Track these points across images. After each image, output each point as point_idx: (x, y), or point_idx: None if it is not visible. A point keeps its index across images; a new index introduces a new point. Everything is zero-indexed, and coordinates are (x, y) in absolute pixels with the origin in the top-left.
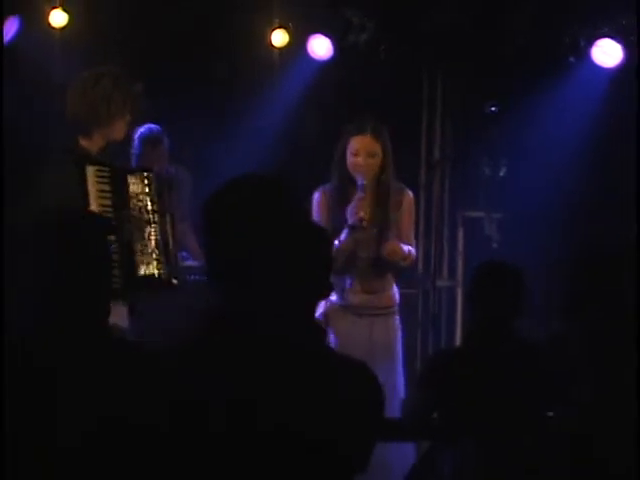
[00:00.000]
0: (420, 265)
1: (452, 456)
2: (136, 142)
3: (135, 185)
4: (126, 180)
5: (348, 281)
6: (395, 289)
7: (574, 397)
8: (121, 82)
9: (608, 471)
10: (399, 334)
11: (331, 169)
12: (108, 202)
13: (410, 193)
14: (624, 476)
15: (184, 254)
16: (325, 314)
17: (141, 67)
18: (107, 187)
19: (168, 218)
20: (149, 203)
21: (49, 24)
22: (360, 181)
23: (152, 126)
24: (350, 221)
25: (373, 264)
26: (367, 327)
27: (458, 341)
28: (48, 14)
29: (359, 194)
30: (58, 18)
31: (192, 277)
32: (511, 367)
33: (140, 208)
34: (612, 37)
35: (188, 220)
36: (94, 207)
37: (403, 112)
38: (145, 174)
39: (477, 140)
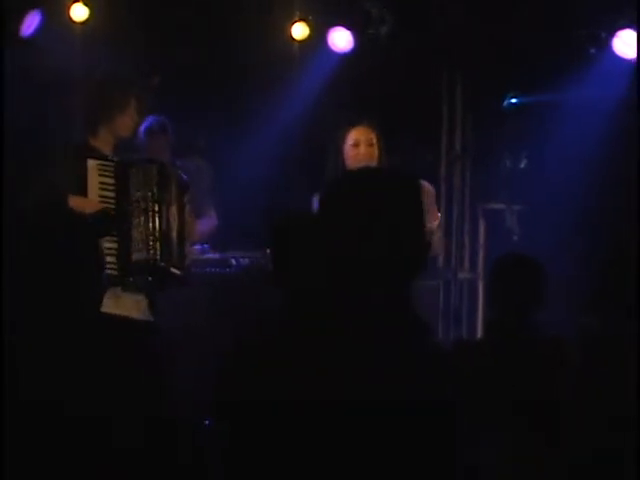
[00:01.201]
0: (441, 257)
1: (470, 449)
2: (139, 134)
3: (137, 176)
4: (128, 172)
5: None
6: None
7: (595, 391)
8: (122, 82)
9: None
10: None
11: (325, 172)
12: (110, 194)
13: (428, 185)
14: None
15: (206, 246)
16: None
17: (160, 61)
18: (110, 180)
19: (173, 209)
20: (150, 193)
21: (70, 18)
22: None
23: (154, 117)
24: None
25: None
26: None
27: (479, 333)
28: (69, 8)
29: None
30: (79, 12)
31: (211, 270)
32: (531, 359)
33: (140, 198)
34: (633, 27)
35: (205, 209)
36: (94, 198)
37: (423, 105)
38: (148, 165)
39: (498, 132)
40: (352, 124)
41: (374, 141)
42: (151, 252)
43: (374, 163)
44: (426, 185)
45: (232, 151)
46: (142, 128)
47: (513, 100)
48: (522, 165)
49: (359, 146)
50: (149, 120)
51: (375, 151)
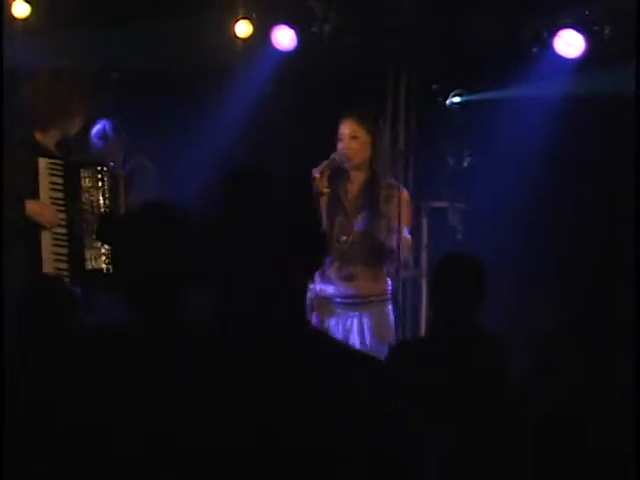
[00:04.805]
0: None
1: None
2: (91, 137)
3: (88, 179)
4: (79, 174)
5: (328, 269)
6: (385, 276)
7: (534, 391)
8: (79, 79)
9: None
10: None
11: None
12: (60, 195)
13: (405, 191)
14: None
15: None
16: (310, 305)
17: (103, 58)
18: (59, 180)
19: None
20: (101, 197)
21: (11, 15)
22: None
23: (106, 120)
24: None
25: (353, 247)
26: (355, 318)
27: (423, 331)
28: (10, 5)
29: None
30: (20, 9)
31: None
32: (472, 358)
33: (92, 202)
34: (575, 28)
35: None
36: (44, 200)
37: (367, 103)
38: (99, 168)
39: (441, 131)
40: (341, 117)
41: (360, 135)
42: (104, 260)
43: (360, 157)
44: (402, 192)
45: (174, 149)
46: (94, 131)
47: (457, 98)
48: (465, 163)
49: (342, 140)
50: (101, 123)
51: (360, 147)
